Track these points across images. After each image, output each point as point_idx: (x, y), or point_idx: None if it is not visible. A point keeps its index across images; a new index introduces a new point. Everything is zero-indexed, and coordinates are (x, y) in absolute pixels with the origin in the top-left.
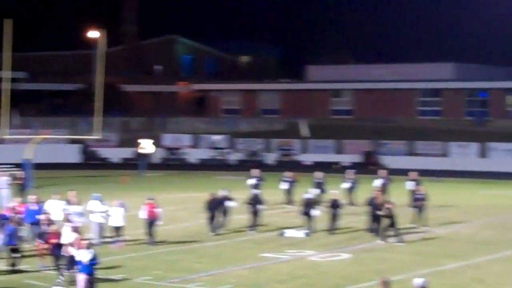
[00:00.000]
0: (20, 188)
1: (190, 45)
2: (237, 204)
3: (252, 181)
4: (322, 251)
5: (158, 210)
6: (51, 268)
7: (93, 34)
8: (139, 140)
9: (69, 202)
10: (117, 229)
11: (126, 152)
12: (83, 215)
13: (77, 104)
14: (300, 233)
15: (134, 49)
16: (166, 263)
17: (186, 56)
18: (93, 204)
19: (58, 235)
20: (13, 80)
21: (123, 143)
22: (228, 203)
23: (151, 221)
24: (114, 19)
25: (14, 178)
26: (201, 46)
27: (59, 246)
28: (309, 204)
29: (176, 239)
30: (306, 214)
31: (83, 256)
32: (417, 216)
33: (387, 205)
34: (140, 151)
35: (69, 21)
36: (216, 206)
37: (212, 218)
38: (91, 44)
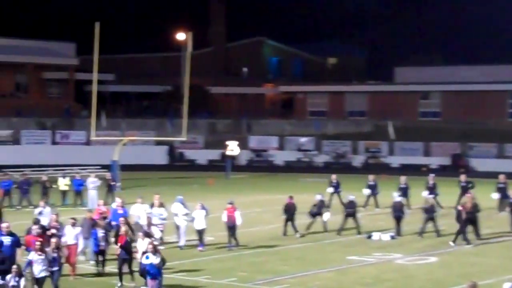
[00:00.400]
0: (108, 189)
1: (277, 47)
2: (329, 214)
3: (330, 190)
4: (410, 255)
5: (237, 214)
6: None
7: (181, 36)
8: (227, 142)
9: (153, 205)
10: (200, 231)
11: (212, 154)
12: (166, 218)
13: (164, 106)
14: (386, 236)
15: (221, 51)
16: (251, 265)
17: (273, 58)
18: (176, 207)
19: (125, 238)
20: (101, 82)
21: (209, 145)
22: (324, 213)
23: (231, 225)
24: (202, 21)
25: (102, 179)
26: (288, 48)
27: (125, 249)
28: (398, 208)
29: (261, 241)
30: (396, 217)
31: (152, 260)
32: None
33: (469, 209)
34: (227, 153)
35: (157, 24)
36: (293, 210)
37: (289, 221)
38: (179, 46)
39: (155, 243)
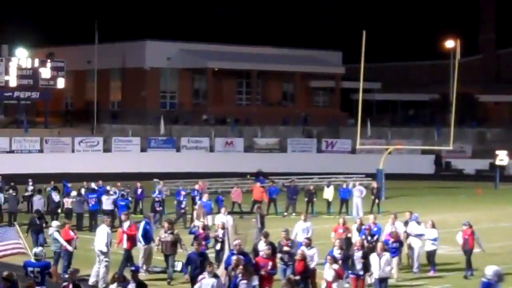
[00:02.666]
0: (373, 198)
1: None
2: None
3: None
4: None
5: (472, 238)
6: None
7: (449, 43)
8: (497, 152)
9: (407, 222)
10: (430, 255)
11: (480, 164)
12: (423, 235)
13: (431, 114)
14: None
15: (491, 58)
16: None
17: None
18: (412, 226)
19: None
20: (367, 90)
21: (477, 155)
22: None
23: (467, 250)
24: (472, 28)
25: (367, 188)
26: None
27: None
28: None
29: None
30: None
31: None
32: None
33: None
34: (497, 162)
35: (424, 31)
36: None
37: None
38: (447, 54)
39: None
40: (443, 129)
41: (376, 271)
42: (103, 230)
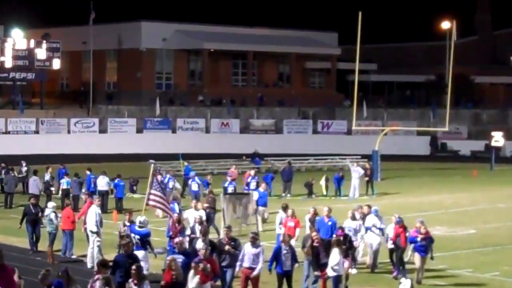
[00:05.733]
0: (368, 179)
1: None
2: None
3: None
4: None
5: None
6: None
7: (445, 24)
8: (492, 133)
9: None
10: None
11: (476, 145)
12: (382, 230)
13: (427, 95)
14: None
15: (487, 39)
16: None
17: None
18: (371, 220)
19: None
20: (363, 71)
21: (473, 136)
22: None
23: (399, 246)
24: (468, 9)
25: (364, 169)
26: None
27: None
28: None
29: None
30: None
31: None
32: None
33: None
34: (492, 144)
35: (421, 12)
36: None
37: None
38: (443, 35)
39: None
40: (439, 110)
41: (329, 269)
42: (92, 210)
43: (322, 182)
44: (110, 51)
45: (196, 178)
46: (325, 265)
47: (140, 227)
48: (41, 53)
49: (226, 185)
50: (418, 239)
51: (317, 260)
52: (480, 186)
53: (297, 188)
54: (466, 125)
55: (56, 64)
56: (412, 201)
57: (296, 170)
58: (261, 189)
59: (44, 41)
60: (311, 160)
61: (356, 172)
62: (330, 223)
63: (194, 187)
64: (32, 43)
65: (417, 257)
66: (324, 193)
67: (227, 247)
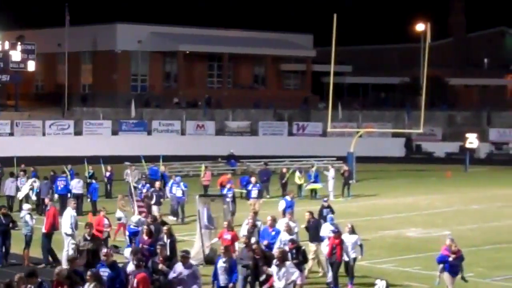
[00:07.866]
0: (344, 181)
1: None
2: None
3: None
4: None
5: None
6: None
7: (419, 27)
8: (466, 135)
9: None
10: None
11: (450, 147)
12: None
13: (401, 97)
14: None
15: (461, 41)
16: (489, 261)
17: None
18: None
19: None
20: (338, 73)
21: (447, 137)
22: None
23: (334, 262)
24: (442, 11)
25: (339, 171)
26: None
27: None
28: None
29: (500, 236)
30: None
31: None
32: None
33: None
34: (466, 145)
35: (395, 15)
36: None
37: None
38: (418, 37)
39: None
40: (414, 112)
41: (276, 285)
42: (67, 213)
43: (297, 173)
44: (85, 53)
45: (181, 184)
46: (264, 282)
47: (134, 226)
48: (15, 55)
49: (225, 191)
50: (450, 258)
51: (256, 274)
52: (455, 188)
53: (274, 190)
54: (440, 127)
55: (31, 66)
56: (387, 203)
57: (272, 172)
58: (288, 197)
59: (19, 43)
60: (286, 162)
61: (331, 173)
62: (273, 233)
63: (179, 193)
64: (7, 45)
65: (448, 278)
66: (298, 182)
67: (160, 266)
